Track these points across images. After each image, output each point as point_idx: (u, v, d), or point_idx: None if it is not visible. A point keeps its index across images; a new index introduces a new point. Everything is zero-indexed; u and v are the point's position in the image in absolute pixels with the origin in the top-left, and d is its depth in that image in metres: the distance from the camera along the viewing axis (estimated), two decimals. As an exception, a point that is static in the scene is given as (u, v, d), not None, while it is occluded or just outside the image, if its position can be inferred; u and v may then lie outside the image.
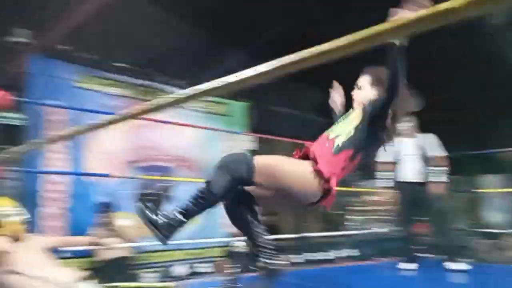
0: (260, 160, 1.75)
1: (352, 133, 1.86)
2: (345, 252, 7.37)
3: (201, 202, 1.73)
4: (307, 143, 1.93)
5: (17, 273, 1.87)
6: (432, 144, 3.77)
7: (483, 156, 5.97)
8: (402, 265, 3.72)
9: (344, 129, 1.91)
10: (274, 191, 1.78)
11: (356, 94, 2.10)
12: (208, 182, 1.71)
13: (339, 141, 1.85)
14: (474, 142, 5.02)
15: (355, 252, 7.35)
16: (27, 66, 4.66)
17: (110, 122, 1.47)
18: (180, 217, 1.72)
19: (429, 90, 3.27)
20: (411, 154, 3.75)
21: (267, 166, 1.76)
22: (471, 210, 8.41)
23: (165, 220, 1.70)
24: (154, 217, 1.72)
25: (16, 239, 2.29)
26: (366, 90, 2.05)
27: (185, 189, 6.45)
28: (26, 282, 1.99)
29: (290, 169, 1.78)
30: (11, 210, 2.34)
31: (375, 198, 8.40)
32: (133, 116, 1.45)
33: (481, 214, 8.53)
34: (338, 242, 7.45)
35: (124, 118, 1.50)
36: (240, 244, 4.72)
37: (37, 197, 4.63)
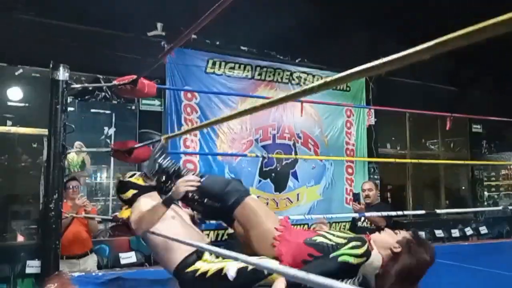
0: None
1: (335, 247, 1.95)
2: (475, 230, 6.93)
3: None
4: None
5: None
6: None
7: None
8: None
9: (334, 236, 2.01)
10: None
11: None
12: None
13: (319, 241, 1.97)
14: None
15: (484, 230, 6.89)
16: (165, 57, 5.17)
17: (253, 109, 1.47)
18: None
19: None
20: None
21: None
22: None
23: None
24: None
25: None
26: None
27: (306, 165, 6.61)
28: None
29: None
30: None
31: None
32: (280, 101, 1.46)
33: None
34: (468, 219, 7.03)
35: (270, 103, 1.52)
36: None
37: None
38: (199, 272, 2.13)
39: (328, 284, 0.80)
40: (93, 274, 2.75)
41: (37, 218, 4.74)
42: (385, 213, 4.05)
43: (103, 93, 5.06)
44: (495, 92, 7.46)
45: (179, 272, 2.17)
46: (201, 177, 2.15)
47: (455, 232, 6.82)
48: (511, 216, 7.78)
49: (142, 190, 2.44)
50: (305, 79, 6.16)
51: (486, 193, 8.17)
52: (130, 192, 2.43)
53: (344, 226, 4.82)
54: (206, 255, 2.21)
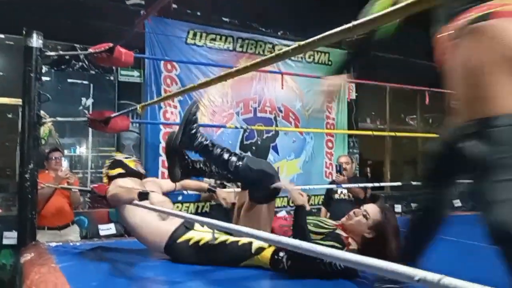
0: None
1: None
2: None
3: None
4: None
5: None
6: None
7: None
8: None
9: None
10: None
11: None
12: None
13: None
14: None
15: (458, 203, 7.07)
16: (144, 26, 5.05)
17: (228, 75, 1.50)
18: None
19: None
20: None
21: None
22: None
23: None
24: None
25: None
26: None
27: (286, 138, 6.64)
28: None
29: None
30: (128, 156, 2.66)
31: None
32: (248, 69, 1.49)
33: None
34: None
35: (239, 71, 1.57)
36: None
37: (159, 148, 5.17)
38: (192, 241, 2.18)
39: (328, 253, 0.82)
40: (71, 244, 2.74)
41: (15, 190, 4.68)
42: (363, 185, 4.15)
43: (80, 63, 4.94)
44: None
45: (171, 245, 2.21)
46: (240, 158, 2.13)
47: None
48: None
49: (128, 172, 2.48)
50: (287, 52, 6.10)
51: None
52: (117, 171, 2.47)
53: (324, 198, 4.91)
54: (197, 225, 2.26)
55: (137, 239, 2.42)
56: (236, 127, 4.44)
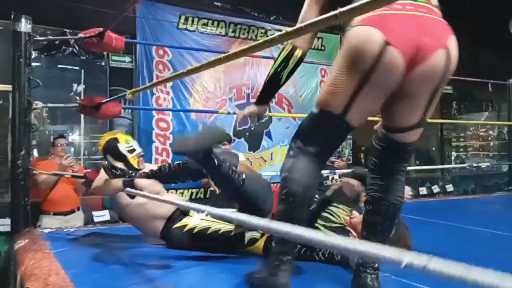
0: None
1: None
2: (442, 188, 7.20)
3: None
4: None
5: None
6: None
7: None
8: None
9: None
10: None
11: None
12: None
13: None
14: None
15: (451, 188, 7.16)
16: (134, 11, 4.98)
17: (218, 61, 1.49)
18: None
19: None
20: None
21: None
22: None
23: None
24: None
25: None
26: None
27: (280, 124, 6.64)
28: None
29: None
30: (135, 145, 2.58)
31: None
32: (237, 55, 1.48)
33: None
34: (436, 178, 7.28)
35: (228, 57, 1.56)
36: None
37: (153, 134, 5.14)
38: (187, 228, 2.19)
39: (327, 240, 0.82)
40: (65, 230, 2.74)
41: (8, 178, 4.65)
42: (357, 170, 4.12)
43: (71, 48, 4.88)
44: (466, 53, 7.55)
45: (167, 231, 2.22)
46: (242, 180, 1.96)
47: (423, 190, 7.06)
48: (476, 175, 8.10)
49: (127, 167, 2.40)
50: (280, 37, 6.07)
51: (454, 153, 8.44)
52: (116, 163, 2.39)
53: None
54: (192, 212, 2.26)
55: (132, 225, 2.42)
56: (229, 113, 4.42)
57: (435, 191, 7.26)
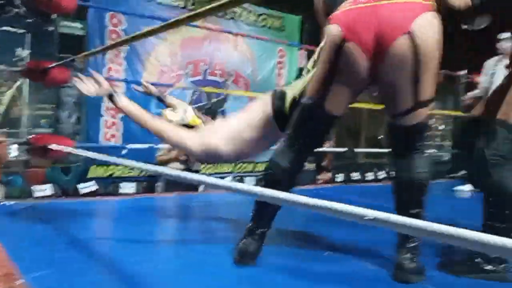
0: None
1: None
2: (388, 174, 7.44)
3: None
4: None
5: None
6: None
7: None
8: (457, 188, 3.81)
9: None
10: None
11: None
12: None
13: None
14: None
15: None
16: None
17: (163, 27, 1.51)
18: None
19: None
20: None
21: None
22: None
23: None
24: None
25: None
26: None
27: (236, 104, 6.54)
28: None
29: None
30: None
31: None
32: (186, 21, 1.49)
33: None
34: (383, 164, 7.51)
35: (178, 22, 1.53)
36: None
37: (102, 106, 4.92)
38: None
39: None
40: (1, 204, 2.57)
41: None
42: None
43: (16, 10, 4.53)
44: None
45: None
46: None
47: (369, 175, 7.27)
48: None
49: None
50: (240, 14, 5.96)
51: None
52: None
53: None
54: None
55: None
56: (184, 88, 4.30)
57: (380, 177, 7.49)
